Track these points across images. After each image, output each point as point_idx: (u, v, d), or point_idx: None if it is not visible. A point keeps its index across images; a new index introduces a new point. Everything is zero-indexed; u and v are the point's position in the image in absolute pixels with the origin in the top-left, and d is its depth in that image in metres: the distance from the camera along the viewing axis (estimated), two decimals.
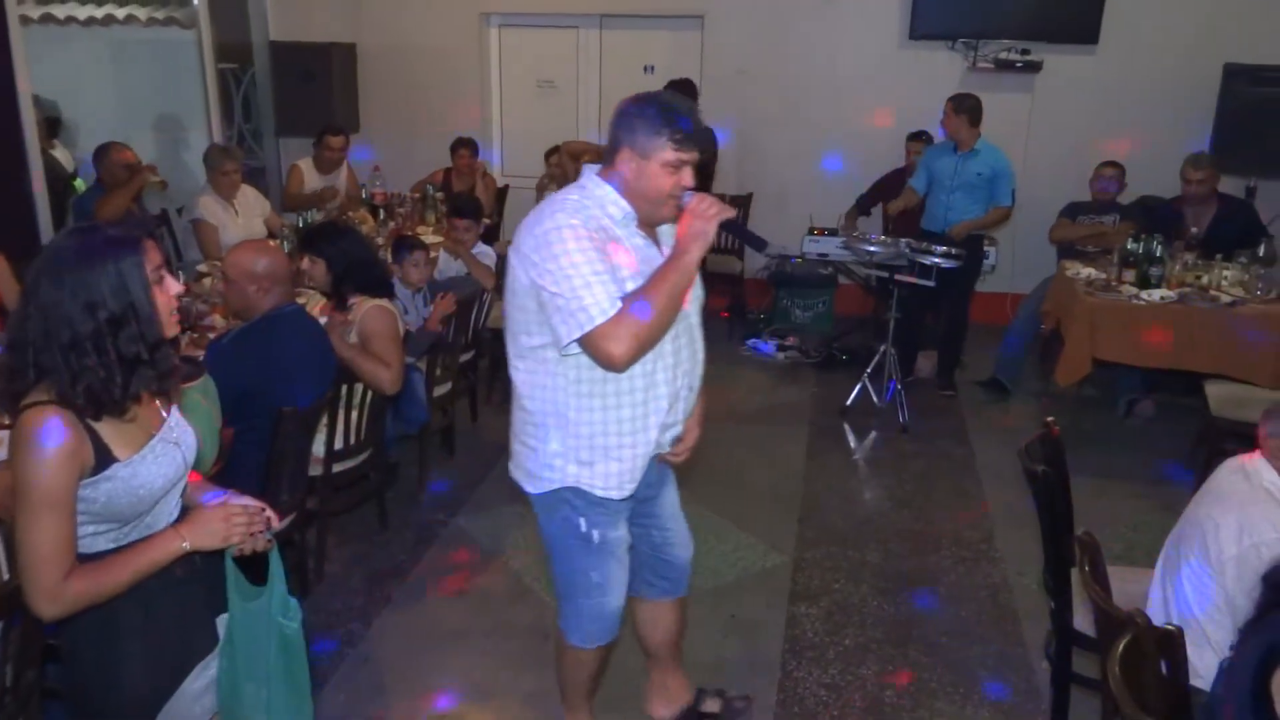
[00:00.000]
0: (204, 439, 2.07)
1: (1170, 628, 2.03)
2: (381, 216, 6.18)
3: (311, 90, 7.15)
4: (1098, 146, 6.32)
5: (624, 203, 2.28)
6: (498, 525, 4.22)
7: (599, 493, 2.41)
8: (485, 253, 5.14)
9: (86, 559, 1.78)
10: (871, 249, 5.20)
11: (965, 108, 5.55)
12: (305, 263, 3.86)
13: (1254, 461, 2.42)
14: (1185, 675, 2.06)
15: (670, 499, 2.74)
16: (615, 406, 2.36)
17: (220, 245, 5.06)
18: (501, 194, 7.10)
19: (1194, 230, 5.48)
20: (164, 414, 1.89)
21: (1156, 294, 4.88)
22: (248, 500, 1.96)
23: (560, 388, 2.34)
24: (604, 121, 7.54)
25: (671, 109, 2.22)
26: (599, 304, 2.14)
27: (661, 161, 2.22)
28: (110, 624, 1.82)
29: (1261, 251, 5.20)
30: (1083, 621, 2.74)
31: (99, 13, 6.51)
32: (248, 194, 5.58)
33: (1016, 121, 6.76)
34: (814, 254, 6.27)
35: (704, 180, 6.53)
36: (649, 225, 2.37)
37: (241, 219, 5.41)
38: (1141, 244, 5.11)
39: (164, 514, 1.89)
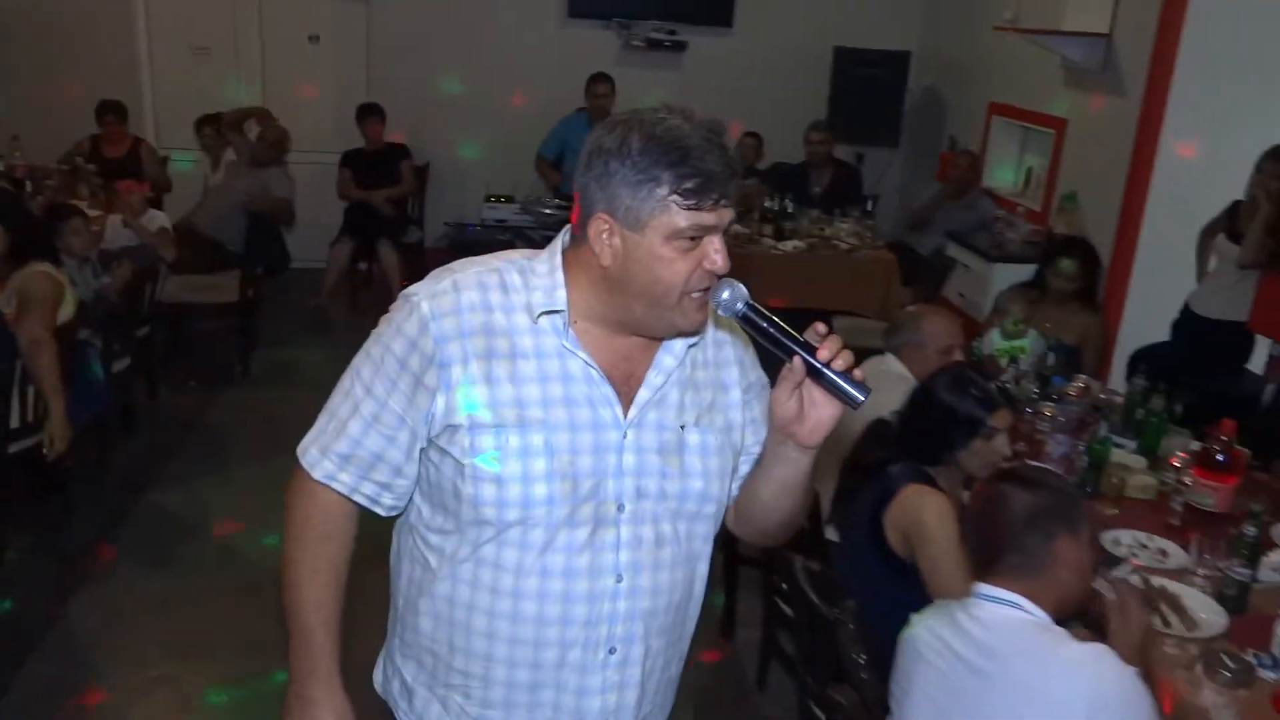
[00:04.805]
0: None
1: None
2: (29, 189, 5.71)
3: None
4: (738, 118, 7.09)
5: (559, 294, 1.31)
6: (195, 498, 4.18)
7: None
8: (156, 216, 4.96)
9: None
10: (548, 210, 5.59)
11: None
12: None
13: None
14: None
15: None
16: (490, 589, 1.34)
17: None
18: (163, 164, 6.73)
19: (817, 190, 6.37)
20: None
21: (790, 244, 5.65)
22: None
23: (405, 528, 1.46)
24: (266, 89, 7.34)
25: (672, 137, 1.24)
26: (317, 441, 1.38)
27: (666, 232, 1.25)
28: None
29: (869, 207, 6.20)
30: None
31: None
32: None
33: (668, 96, 7.22)
34: (493, 220, 6.61)
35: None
36: (641, 334, 1.35)
37: None
38: (776, 202, 5.89)
39: None
